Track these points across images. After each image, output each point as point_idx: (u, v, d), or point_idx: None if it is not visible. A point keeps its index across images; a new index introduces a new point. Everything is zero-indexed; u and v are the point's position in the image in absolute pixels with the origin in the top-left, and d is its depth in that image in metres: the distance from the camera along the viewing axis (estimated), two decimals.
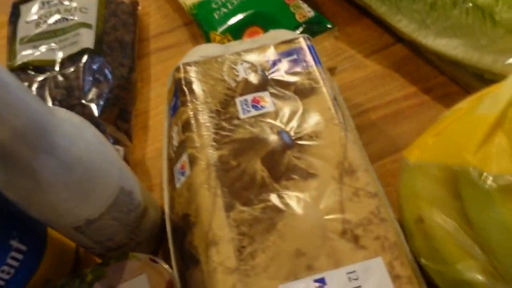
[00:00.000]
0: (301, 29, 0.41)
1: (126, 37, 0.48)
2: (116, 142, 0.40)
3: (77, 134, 0.26)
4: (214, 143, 0.30)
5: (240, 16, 0.43)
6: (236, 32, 0.43)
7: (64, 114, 0.27)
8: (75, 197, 0.27)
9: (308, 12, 0.42)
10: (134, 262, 0.32)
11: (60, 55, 0.44)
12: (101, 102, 0.41)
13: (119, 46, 0.46)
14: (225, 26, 0.43)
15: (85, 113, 0.40)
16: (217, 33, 0.44)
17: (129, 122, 0.43)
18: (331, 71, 0.43)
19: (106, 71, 0.43)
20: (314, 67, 0.32)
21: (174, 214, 0.32)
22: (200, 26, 0.46)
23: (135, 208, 0.31)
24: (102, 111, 0.41)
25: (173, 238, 0.32)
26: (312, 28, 0.42)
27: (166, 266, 0.31)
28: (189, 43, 0.49)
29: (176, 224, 0.31)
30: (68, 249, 0.37)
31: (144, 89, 0.47)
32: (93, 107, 0.41)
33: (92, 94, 0.41)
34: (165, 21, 0.52)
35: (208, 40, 0.45)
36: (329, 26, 0.42)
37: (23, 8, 0.49)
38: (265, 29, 0.42)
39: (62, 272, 0.36)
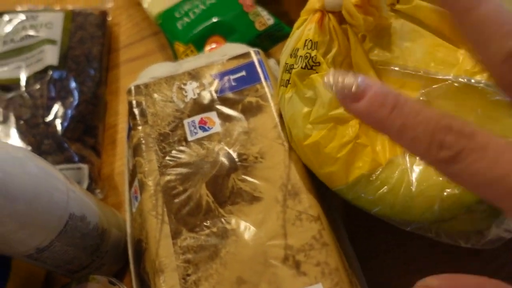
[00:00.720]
0: (260, 37, 0.41)
1: (93, 50, 0.47)
2: (81, 159, 0.40)
3: (18, 167, 0.27)
4: (162, 168, 0.30)
5: (201, 26, 0.42)
6: (198, 42, 0.42)
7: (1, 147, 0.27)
8: (22, 228, 0.27)
9: (268, 20, 0.41)
10: (93, 285, 0.32)
11: (26, 73, 0.44)
12: (65, 120, 0.41)
13: (85, 60, 0.46)
14: (187, 37, 0.43)
15: (49, 131, 0.41)
16: (181, 43, 0.43)
17: (97, 137, 0.44)
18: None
19: (71, 88, 0.43)
20: (263, 83, 0.32)
21: (132, 238, 0.32)
22: (166, 36, 0.46)
23: (90, 231, 0.32)
24: (66, 129, 0.41)
25: (133, 261, 0.32)
26: (273, 36, 0.41)
27: None
28: (157, 53, 0.49)
29: (134, 247, 0.32)
30: (36, 270, 0.37)
31: (114, 102, 0.47)
32: (57, 125, 0.41)
33: (55, 112, 0.42)
34: (135, 30, 0.52)
35: (173, 50, 0.45)
36: (290, 32, 0.41)
37: None
38: (226, 38, 0.42)
39: None
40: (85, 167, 0.40)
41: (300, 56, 0.28)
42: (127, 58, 0.50)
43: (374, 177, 0.26)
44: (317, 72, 0.28)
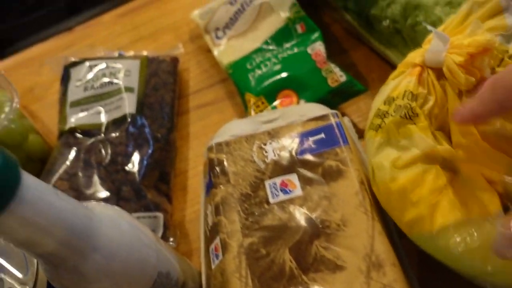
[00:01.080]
0: (332, 93, 0.42)
1: (166, 97, 0.50)
2: (156, 208, 0.42)
3: (115, 228, 0.28)
4: (245, 230, 0.31)
5: (273, 79, 0.44)
6: (270, 95, 0.44)
7: (101, 210, 0.28)
8: (116, 285, 0.29)
9: (340, 76, 0.42)
10: None
11: (105, 119, 0.47)
12: (143, 167, 0.43)
13: (159, 107, 0.48)
14: (259, 89, 0.44)
15: (128, 179, 0.43)
16: (252, 94, 0.45)
17: (169, 184, 0.45)
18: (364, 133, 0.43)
19: (147, 135, 0.46)
20: (342, 147, 0.33)
21: None
22: (236, 86, 0.47)
23: (173, 286, 0.33)
24: (143, 176, 0.43)
25: None
26: (345, 92, 0.42)
27: None
28: (226, 100, 0.51)
29: None
30: None
31: (184, 147, 0.49)
32: (135, 173, 0.43)
33: (134, 160, 0.44)
34: (204, 77, 0.54)
35: (243, 100, 0.46)
36: (361, 89, 0.42)
37: (73, 71, 0.52)
38: (298, 92, 0.43)
39: None
40: (160, 215, 0.41)
41: (399, 105, 0.30)
42: (197, 104, 0.52)
43: (461, 230, 0.26)
44: (415, 123, 0.29)
